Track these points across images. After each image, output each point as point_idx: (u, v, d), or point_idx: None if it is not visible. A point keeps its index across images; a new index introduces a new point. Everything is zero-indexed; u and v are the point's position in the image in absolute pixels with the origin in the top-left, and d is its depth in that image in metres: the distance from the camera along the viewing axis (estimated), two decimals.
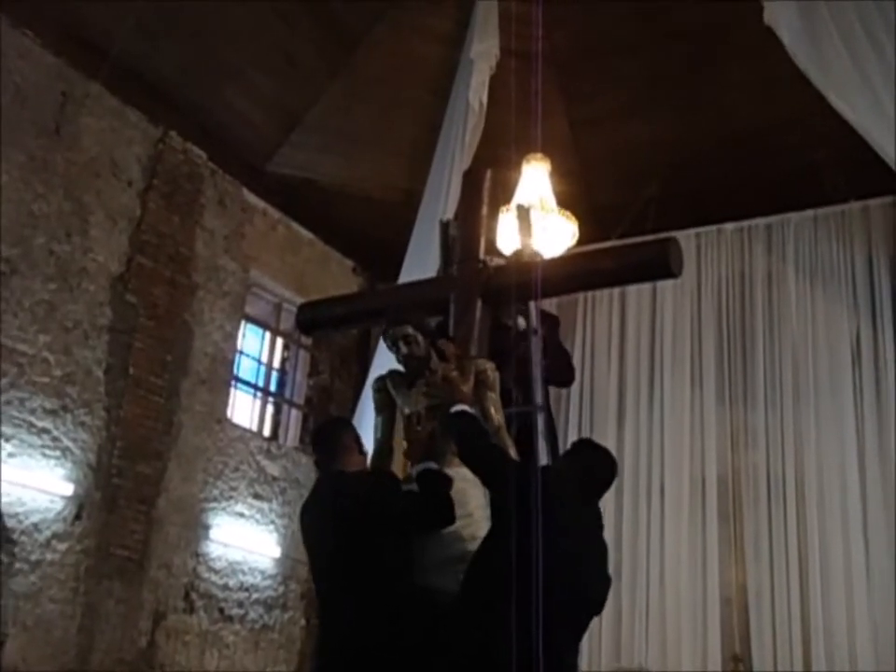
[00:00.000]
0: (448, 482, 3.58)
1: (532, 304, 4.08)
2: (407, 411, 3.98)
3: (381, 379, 4.17)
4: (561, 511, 3.15)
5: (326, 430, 4.01)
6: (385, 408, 4.13)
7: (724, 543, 7.63)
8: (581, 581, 3.21)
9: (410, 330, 3.88)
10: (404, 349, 3.90)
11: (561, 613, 3.03)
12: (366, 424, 8.01)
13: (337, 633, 3.45)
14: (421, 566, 3.50)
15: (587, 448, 3.82)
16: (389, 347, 3.99)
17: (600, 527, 3.52)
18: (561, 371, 4.74)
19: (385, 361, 7.90)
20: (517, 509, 3.19)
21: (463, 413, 3.61)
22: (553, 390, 4.97)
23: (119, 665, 7.05)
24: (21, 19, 6.82)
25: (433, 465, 3.64)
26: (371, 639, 3.31)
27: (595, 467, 3.60)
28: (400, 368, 4.04)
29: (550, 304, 5.33)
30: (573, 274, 4.17)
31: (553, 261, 4.59)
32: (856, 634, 6.91)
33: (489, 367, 3.87)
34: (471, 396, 3.77)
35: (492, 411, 3.81)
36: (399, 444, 4.05)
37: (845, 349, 7.55)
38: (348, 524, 3.45)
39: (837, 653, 6.93)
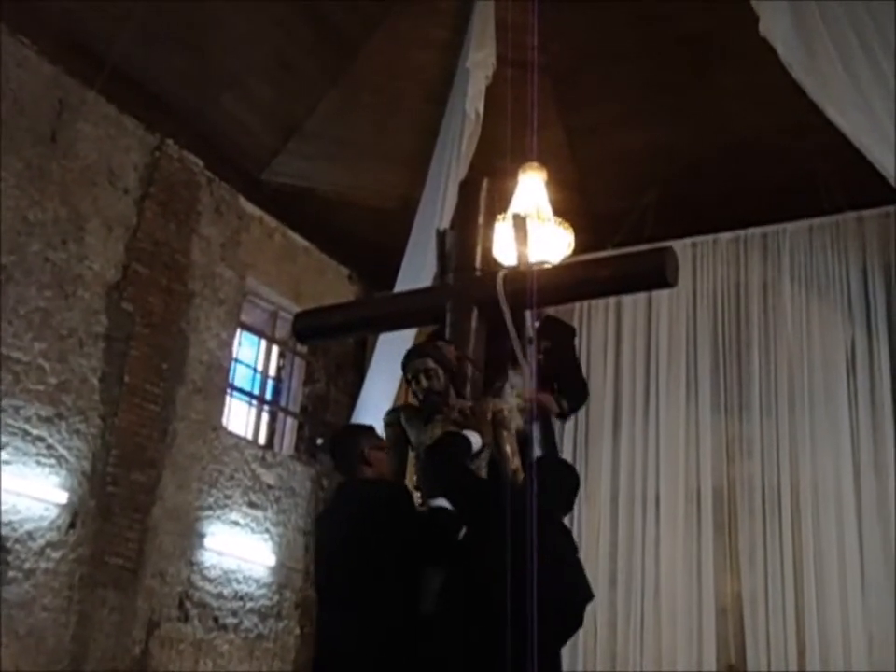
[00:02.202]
0: (458, 523, 3.52)
1: (528, 314, 4.06)
2: (422, 447, 3.88)
3: (394, 413, 4.09)
4: (533, 529, 3.13)
5: (342, 438, 3.96)
6: (398, 443, 4.02)
7: (719, 553, 7.63)
8: (554, 600, 3.17)
9: (431, 364, 3.82)
10: (425, 383, 3.83)
11: (538, 630, 3.00)
12: None
13: (333, 649, 3.44)
14: (425, 592, 3.47)
15: (549, 464, 3.79)
16: (408, 381, 3.92)
17: (573, 544, 3.50)
18: (575, 390, 4.55)
19: (381, 370, 7.92)
20: (483, 530, 3.20)
21: (457, 435, 3.58)
22: None
23: None
24: (19, 26, 6.82)
25: (446, 503, 3.55)
26: (364, 659, 3.30)
27: (561, 480, 3.57)
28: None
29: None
30: (569, 284, 4.16)
31: (550, 271, 4.59)
32: (851, 644, 6.92)
33: (505, 407, 3.81)
34: (490, 434, 3.72)
35: (508, 451, 3.71)
36: (410, 478, 4.00)
37: (840, 359, 7.57)
38: (360, 531, 3.44)
39: (832, 663, 6.93)
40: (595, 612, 7.46)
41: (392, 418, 4.08)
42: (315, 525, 3.75)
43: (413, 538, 3.48)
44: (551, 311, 4.78)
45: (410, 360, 3.91)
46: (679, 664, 7.44)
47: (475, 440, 3.61)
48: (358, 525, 3.47)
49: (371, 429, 3.92)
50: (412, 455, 4.04)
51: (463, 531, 3.50)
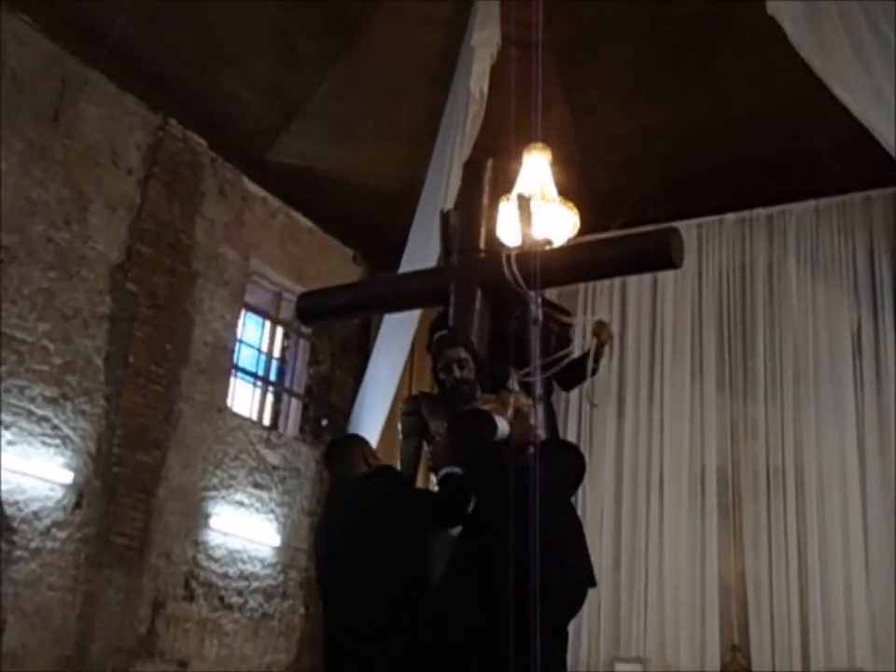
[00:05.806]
0: (471, 485, 3.47)
1: (532, 294, 4.03)
2: (439, 437, 3.85)
3: (414, 402, 4.04)
4: (540, 508, 3.13)
5: (337, 447, 3.93)
6: (416, 433, 3.98)
7: (723, 534, 7.65)
8: (554, 583, 3.18)
9: (464, 354, 3.80)
10: (457, 373, 3.80)
11: (541, 605, 3.01)
12: (366, 416, 8.03)
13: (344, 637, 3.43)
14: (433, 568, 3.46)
15: (557, 447, 3.80)
16: (440, 369, 3.86)
17: (579, 525, 3.50)
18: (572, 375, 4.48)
19: (385, 351, 7.93)
20: (494, 502, 3.20)
21: (490, 416, 3.56)
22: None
23: (118, 652, 7.07)
24: (20, 4, 6.79)
25: (458, 469, 3.50)
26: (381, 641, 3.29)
27: (568, 464, 3.58)
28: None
29: (550, 294, 5.28)
30: (574, 264, 4.13)
31: (555, 251, 4.56)
32: (854, 623, 6.94)
33: (526, 403, 3.76)
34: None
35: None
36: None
37: (845, 340, 7.56)
38: (362, 521, 3.41)
39: (835, 643, 6.96)
40: (598, 593, 7.48)
41: (412, 407, 4.03)
42: (316, 532, 3.69)
43: (415, 515, 3.46)
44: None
45: (442, 349, 3.86)
46: (683, 644, 7.47)
47: (503, 427, 3.57)
48: (363, 517, 3.43)
49: (364, 440, 3.89)
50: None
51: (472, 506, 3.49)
